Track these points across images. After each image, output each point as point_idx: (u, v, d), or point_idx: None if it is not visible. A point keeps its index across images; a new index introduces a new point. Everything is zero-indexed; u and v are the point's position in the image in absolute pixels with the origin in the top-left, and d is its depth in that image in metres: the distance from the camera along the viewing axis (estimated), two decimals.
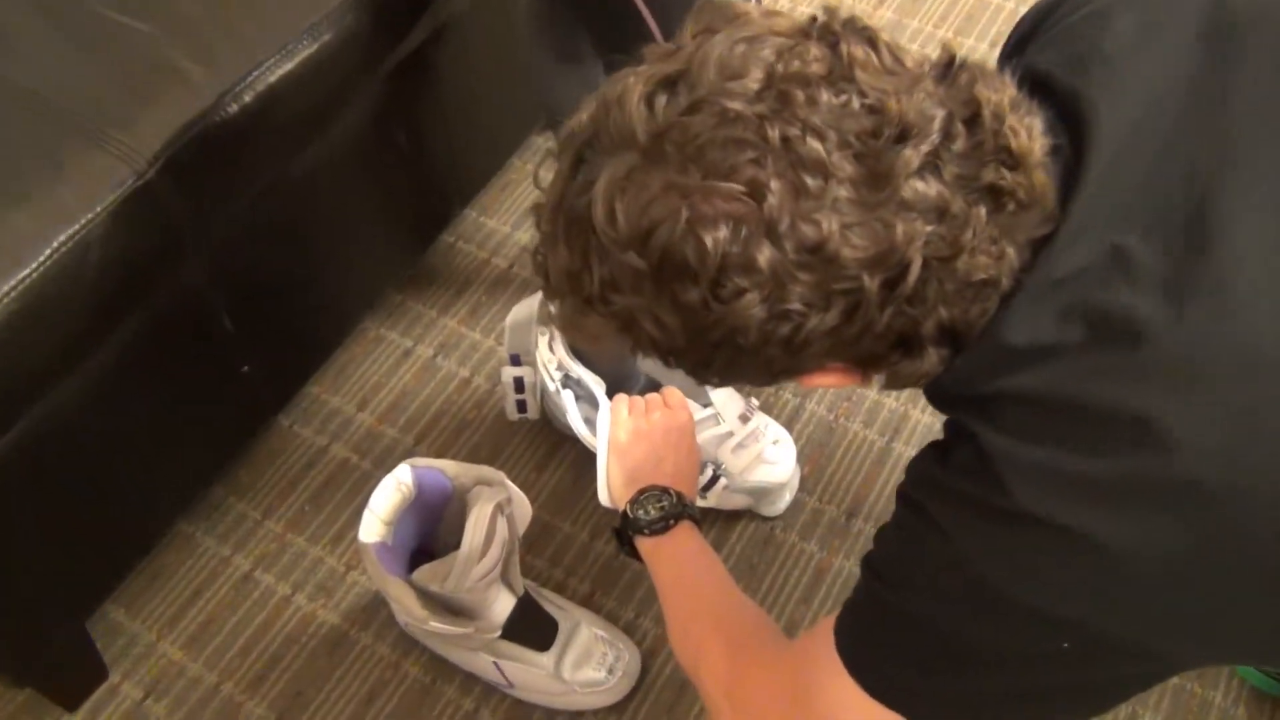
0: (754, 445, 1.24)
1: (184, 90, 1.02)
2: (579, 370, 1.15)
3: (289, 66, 1.06)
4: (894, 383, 0.65)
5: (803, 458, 1.36)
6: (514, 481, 1.32)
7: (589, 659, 1.16)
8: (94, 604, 1.22)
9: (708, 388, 1.22)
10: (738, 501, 1.29)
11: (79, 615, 1.19)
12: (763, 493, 1.28)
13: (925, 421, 1.39)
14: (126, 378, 1.08)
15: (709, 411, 1.23)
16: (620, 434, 1.11)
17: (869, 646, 0.70)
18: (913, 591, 0.66)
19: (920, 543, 0.65)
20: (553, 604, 1.20)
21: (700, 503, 1.26)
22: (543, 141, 1.59)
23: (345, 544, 1.31)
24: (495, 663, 1.15)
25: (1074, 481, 0.58)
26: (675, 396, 1.15)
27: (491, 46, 1.38)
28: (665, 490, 1.05)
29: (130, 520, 1.21)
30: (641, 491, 1.06)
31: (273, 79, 1.05)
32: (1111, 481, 0.58)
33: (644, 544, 1.04)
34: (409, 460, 1.04)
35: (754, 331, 0.58)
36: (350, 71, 1.14)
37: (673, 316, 0.60)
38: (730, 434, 1.24)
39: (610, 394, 1.16)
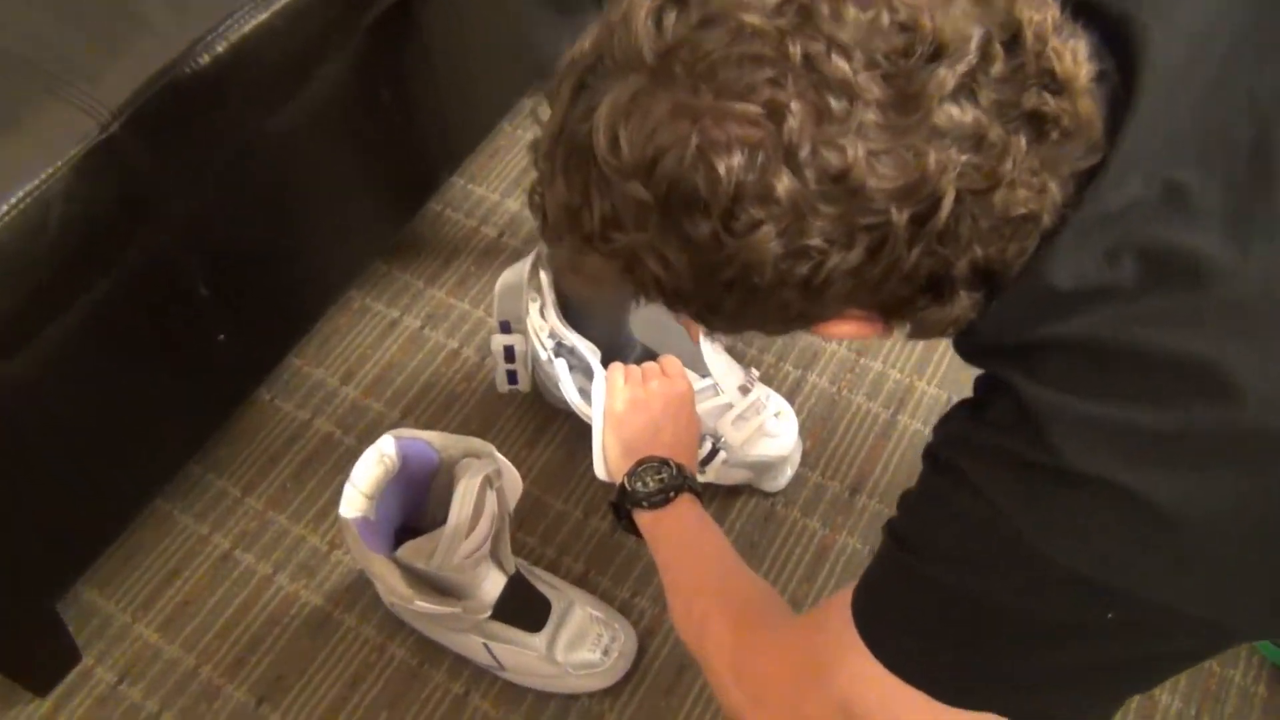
0: (755, 417, 1.19)
1: (152, 40, 0.96)
2: (572, 338, 1.10)
3: (264, 16, 1.00)
4: (919, 331, 0.60)
5: (804, 431, 1.31)
6: (505, 457, 1.27)
7: (583, 640, 1.12)
8: (66, 584, 1.17)
9: (707, 356, 1.17)
10: (737, 476, 1.24)
11: (50, 596, 1.14)
12: (764, 467, 1.23)
13: (931, 393, 1.34)
14: (95, 345, 1.02)
15: (708, 382, 1.18)
16: (616, 403, 1.06)
17: (890, 619, 0.65)
18: (941, 558, 0.61)
19: (950, 505, 0.60)
20: (545, 583, 1.15)
21: (698, 477, 1.20)
22: (533, 105, 1.53)
23: (329, 522, 1.26)
24: (485, 644, 1.10)
25: (1126, 435, 0.53)
26: (674, 365, 1.10)
27: (480, 2, 1.32)
28: (664, 461, 1.00)
29: (103, 497, 1.16)
30: (639, 463, 1.01)
31: (246, 29, 0.99)
32: (1168, 434, 0.53)
33: (643, 518, 0.99)
34: (392, 431, 0.99)
35: (769, 270, 0.53)
36: (329, 23, 1.07)
37: (680, 254, 0.54)
38: (730, 405, 1.18)
39: (605, 363, 1.11)
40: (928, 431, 1.34)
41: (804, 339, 1.39)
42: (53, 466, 1.05)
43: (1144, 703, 1.12)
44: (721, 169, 0.51)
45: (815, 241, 0.52)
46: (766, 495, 1.27)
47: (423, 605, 0.95)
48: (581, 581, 1.21)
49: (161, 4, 0.98)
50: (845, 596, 0.69)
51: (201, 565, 1.24)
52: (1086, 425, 0.54)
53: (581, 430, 1.31)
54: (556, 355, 1.12)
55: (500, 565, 1.10)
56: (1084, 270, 0.54)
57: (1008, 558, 0.57)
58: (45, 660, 1.15)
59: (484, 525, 0.96)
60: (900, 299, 0.56)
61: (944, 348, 1.38)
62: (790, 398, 1.27)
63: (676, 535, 0.97)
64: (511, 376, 1.19)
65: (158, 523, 1.26)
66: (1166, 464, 0.53)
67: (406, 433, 0.99)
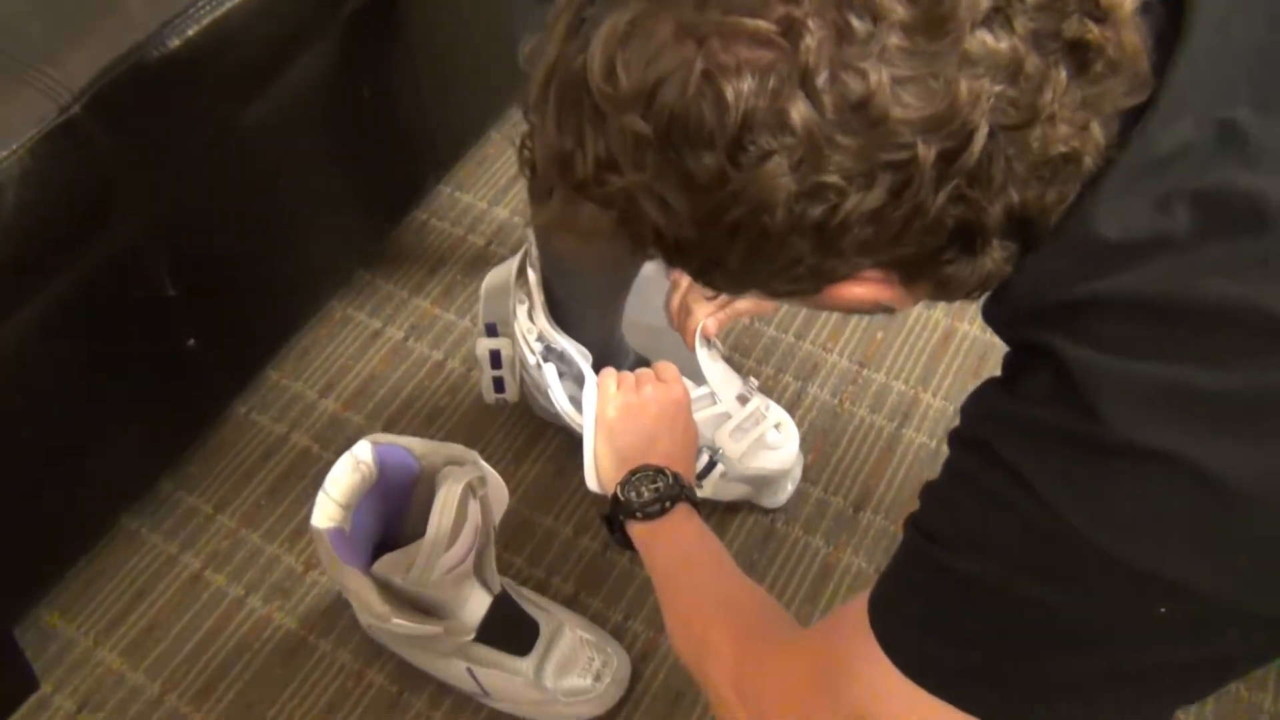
0: (754, 429, 1.13)
1: (119, 21, 0.91)
2: (562, 341, 1.04)
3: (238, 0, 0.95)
4: (944, 291, 0.54)
5: (806, 445, 1.25)
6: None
7: (573, 665, 1.05)
8: (24, 608, 1.10)
9: (703, 364, 1.11)
10: (736, 491, 1.18)
11: (7, 621, 1.07)
12: (763, 481, 1.17)
13: (937, 406, 1.29)
14: (53, 347, 0.96)
15: (704, 391, 1.12)
16: (608, 410, 1.00)
17: (912, 622, 0.58)
18: (973, 550, 0.55)
19: (983, 490, 0.54)
20: (533, 604, 1.08)
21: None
22: (523, 111, 1.49)
23: (305, 540, 1.19)
24: (469, 669, 1.03)
25: (1185, 400, 0.48)
26: (669, 371, 1.04)
27: (467, 2, 1.27)
28: (659, 470, 0.94)
29: (65, 515, 1.09)
30: (633, 472, 0.95)
31: (219, 12, 0.94)
32: (1234, 398, 0.47)
33: (637, 530, 0.93)
34: (370, 437, 0.93)
35: (780, 212, 0.47)
36: (307, 10, 1.03)
37: (680, 195, 0.49)
38: (728, 415, 1.13)
39: (597, 369, 1.05)
40: (934, 445, 1.29)
41: (804, 349, 1.33)
42: (7, 482, 0.99)
43: None
44: (729, 95, 0.45)
45: (832, 179, 0.46)
46: (766, 512, 1.21)
47: (400, 624, 0.88)
48: (571, 603, 1.14)
49: None
50: (859, 603, 0.63)
51: (169, 587, 1.17)
52: (1139, 389, 0.48)
53: (572, 444, 1.25)
54: (545, 360, 1.06)
55: (485, 584, 1.03)
56: (1133, 219, 0.49)
57: (1048, 547, 0.51)
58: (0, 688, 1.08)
59: (466, 537, 0.89)
60: (924, 252, 0.51)
61: (950, 357, 1.33)
62: (790, 410, 1.21)
63: (673, 548, 0.91)
64: (498, 384, 1.13)
65: (124, 542, 1.20)
66: (1231, 432, 0.47)
67: (385, 438, 0.93)
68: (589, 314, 1.07)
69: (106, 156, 0.89)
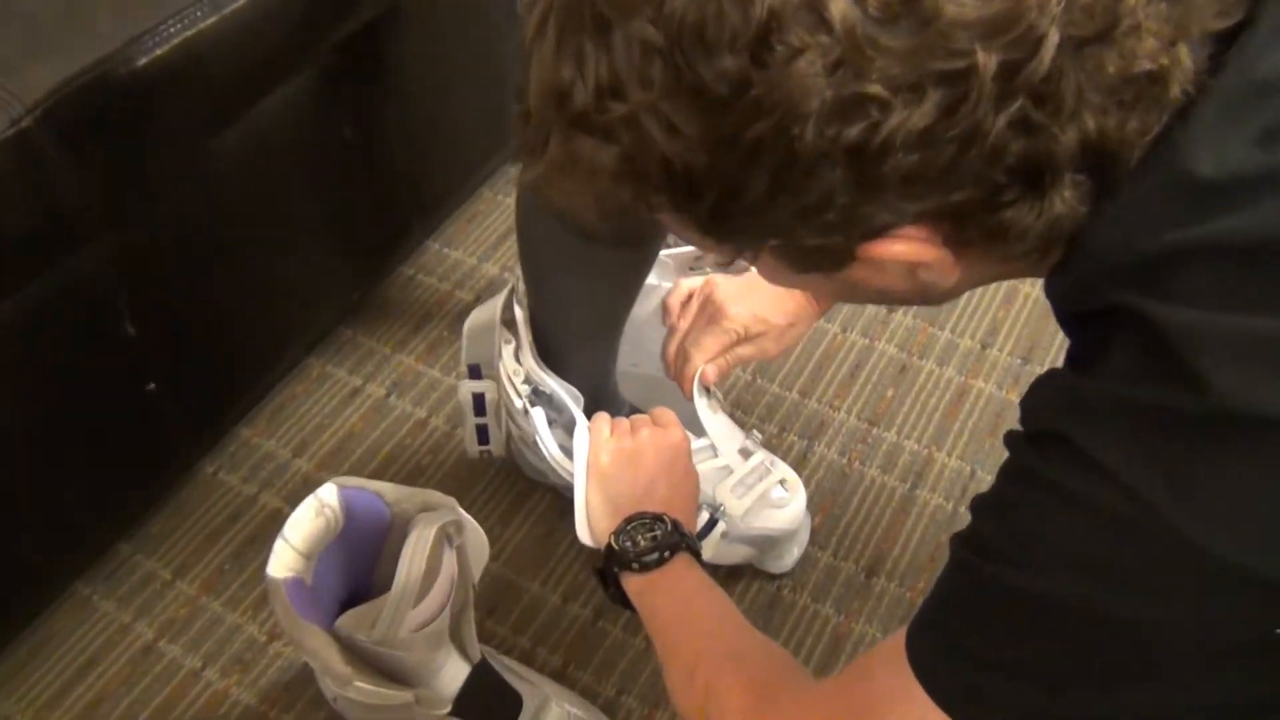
0: (757, 484, 1.05)
1: (85, 36, 0.86)
2: (551, 383, 0.96)
3: (211, 20, 0.90)
4: (999, 245, 0.46)
5: (813, 507, 1.16)
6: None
7: None
8: None
9: (703, 415, 1.04)
10: (738, 554, 1.09)
11: None
12: (768, 543, 1.08)
13: (953, 466, 1.20)
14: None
15: (704, 442, 1.04)
16: (601, 456, 0.92)
17: (960, 654, 0.50)
18: (1038, 561, 0.46)
19: (1052, 488, 0.46)
20: (516, 675, 0.98)
21: None
22: (515, 172, 1.44)
23: (270, 609, 1.10)
24: None
25: None
26: (666, 415, 0.96)
27: (460, 40, 1.23)
28: (657, 517, 0.86)
29: (9, 578, 1.00)
30: (628, 520, 0.87)
31: (191, 32, 0.89)
32: None
33: (633, 582, 0.84)
34: (336, 479, 0.84)
35: (810, 127, 0.40)
36: (284, 37, 0.98)
37: (694, 113, 0.42)
38: (729, 470, 1.04)
39: (589, 415, 0.97)
40: (951, 507, 1.20)
41: (809, 407, 1.25)
42: None
43: None
44: None
45: (874, 89, 0.39)
46: (772, 578, 1.12)
47: (364, 688, 0.79)
48: (559, 676, 1.05)
49: (109, 3, 0.88)
50: (893, 641, 0.54)
51: (120, 657, 1.07)
52: (1247, 346, 0.40)
53: (563, 505, 1.17)
54: (533, 404, 0.98)
55: (462, 651, 0.94)
56: (1233, 153, 0.42)
57: (1138, 553, 0.43)
58: None
59: (440, 590, 0.80)
60: (979, 193, 0.43)
61: (965, 415, 1.25)
62: (796, 470, 1.13)
63: (674, 598, 0.82)
64: (482, 434, 1.05)
65: (74, 609, 1.10)
66: None
67: (353, 481, 0.85)
68: (581, 352, 1.00)
69: (61, 175, 0.83)
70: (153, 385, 1.00)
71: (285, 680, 1.05)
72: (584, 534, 0.92)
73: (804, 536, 1.13)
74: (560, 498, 1.18)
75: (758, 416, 1.25)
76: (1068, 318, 0.51)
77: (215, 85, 0.94)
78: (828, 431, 1.24)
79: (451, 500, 0.85)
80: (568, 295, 0.93)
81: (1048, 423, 0.47)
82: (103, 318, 0.94)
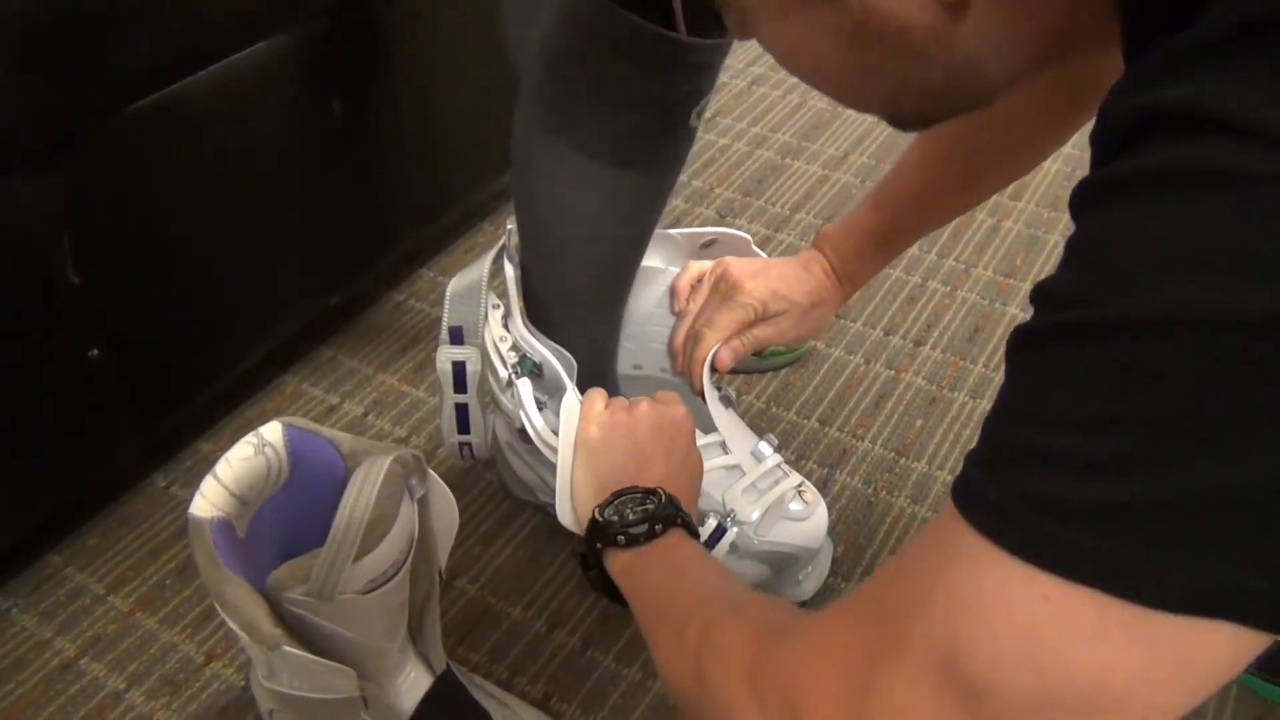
0: (771, 489, 0.92)
1: None
2: (541, 349, 0.85)
3: None
4: None
5: (835, 535, 1.03)
6: (455, 557, 1.00)
7: None
8: None
9: (714, 410, 0.92)
10: (750, 574, 0.95)
11: None
12: (785, 560, 0.94)
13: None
14: None
15: (713, 438, 0.92)
16: (591, 429, 0.81)
17: (1028, 459, 0.38)
18: (1167, 272, 0.34)
19: (1177, 180, 0.34)
20: (486, 693, 0.84)
21: None
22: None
23: (212, 627, 0.96)
24: None
25: None
26: (668, 395, 0.85)
27: (459, 39, 1.17)
28: (650, 491, 0.74)
29: None
30: (617, 494, 0.74)
31: None
32: None
33: (618, 559, 0.71)
34: (282, 418, 0.73)
35: None
36: None
37: None
38: (740, 470, 0.92)
39: (582, 390, 0.86)
40: None
41: (830, 435, 1.13)
42: None
43: None
44: None
45: None
46: None
47: (294, 652, 0.65)
48: (540, 708, 0.89)
49: None
50: (931, 525, 0.42)
51: (33, 676, 0.92)
52: None
53: (552, 527, 1.04)
54: (518, 375, 0.86)
55: (424, 658, 0.80)
56: None
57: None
58: None
59: (394, 544, 0.67)
60: None
61: None
62: None
63: (664, 569, 0.69)
64: (462, 419, 0.93)
65: None
66: None
67: (302, 423, 0.73)
68: (576, 317, 0.89)
69: (3, 74, 0.75)
70: (95, 351, 0.90)
71: (221, 705, 0.90)
72: (565, 515, 0.80)
73: (825, 562, 0.99)
74: (549, 518, 1.04)
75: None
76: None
77: (184, 19, 0.87)
78: (850, 460, 1.11)
79: (418, 453, 0.73)
80: (567, 227, 0.83)
81: (1138, 105, 0.36)
82: (43, 258, 0.84)
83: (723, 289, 0.93)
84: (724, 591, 0.62)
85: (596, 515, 0.74)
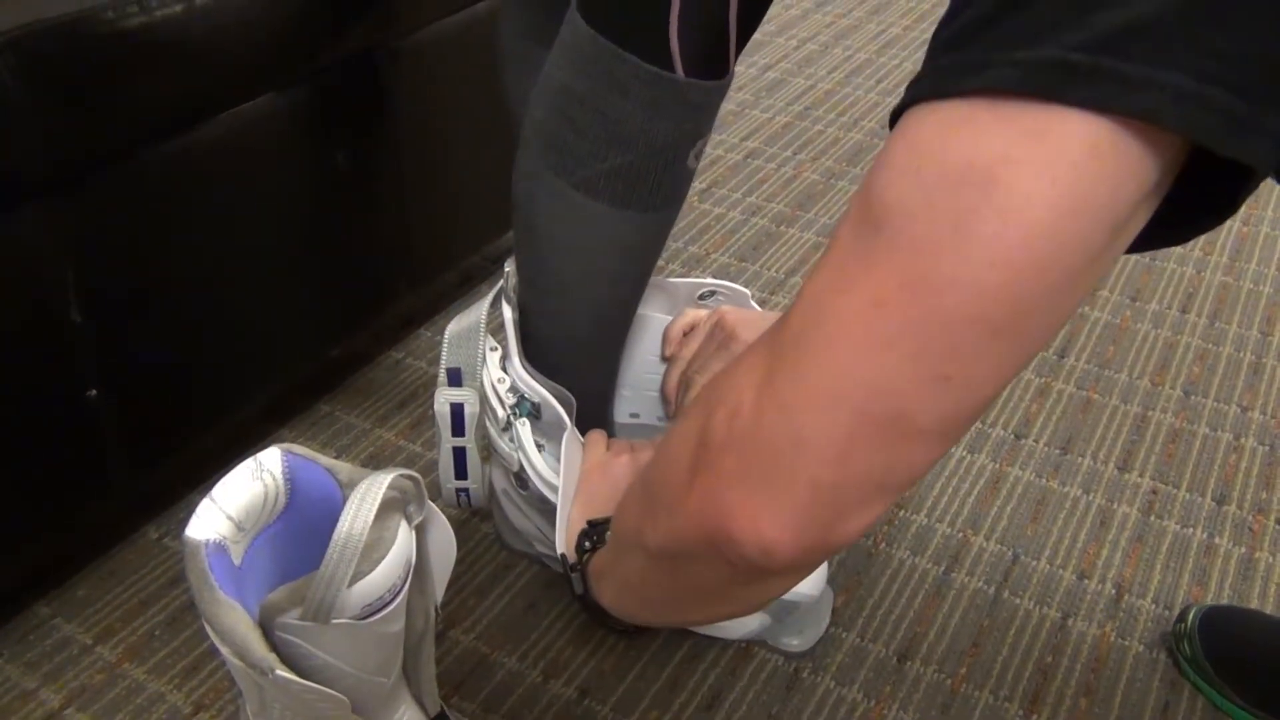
0: None
1: None
2: (540, 389, 0.85)
3: (205, 1, 0.87)
4: None
5: (836, 585, 1.02)
6: (450, 607, 0.99)
7: None
8: None
9: None
10: (750, 624, 0.93)
11: None
12: (784, 608, 0.93)
13: (993, 550, 1.07)
14: None
15: None
16: (593, 471, 0.80)
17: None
18: None
19: None
20: None
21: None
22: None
23: (201, 677, 0.94)
24: None
25: None
26: None
27: (462, 101, 1.20)
28: None
29: None
30: (606, 519, 0.74)
31: (179, 8, 0.85)
32: None
33: (597, 559, 0.71)
34: (281, 445, 0.72)
35: None
36: (280, 35, 0.94)
37: None
38: None
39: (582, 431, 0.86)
40: (992, 591, 1.04)
41: None
42: None
43: None
44: None
45: None
46: (788, 657, 0.96)
47: (286, 676, 0.63)
48: None
49: None
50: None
51: None
52: None
53: (548, 579, 1.03)
54: (516, 416, 0.86)
55: (418, 701, 0.78)
56: None
57: None
58: None
59: (390, 568, 0.67)
60: None
61: (1002, 501, 1.12)
62: None
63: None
64: (459, 464, 0.92)
65: None
66: None
67: (301, 450, 0.72)
68: (574, 360, 0.89)
69: (16, 109, 0.77)
70: (94, 391, 0.90)
71: None
72: (561, 544, 0.79)
73: (825, 612, 0.98)
74: (545, 570, 1.03)
75: None
76: None
77: (199, 68, 0.89)
78: None
79: (417, 476, 0.72)
80: (567, 264, 0.83)
81: None
82: (46, 293, 0.84)
83: (719, 336, 0.93)
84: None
85: (586, 525, 0.73)
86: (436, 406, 0.89)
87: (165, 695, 0.93)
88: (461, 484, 0.94)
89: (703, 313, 0.98)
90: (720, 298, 1.01)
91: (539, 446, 0.90)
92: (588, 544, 0.72)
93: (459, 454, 0.91)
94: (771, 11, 1.83)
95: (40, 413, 0.88)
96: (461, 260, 1.34)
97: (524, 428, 0.86)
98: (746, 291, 1.07)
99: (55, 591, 1.01)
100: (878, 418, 0.42)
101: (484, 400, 0.88)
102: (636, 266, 0.86)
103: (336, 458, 1.17)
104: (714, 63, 0.77)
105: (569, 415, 0.85)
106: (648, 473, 0.55)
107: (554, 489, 0.84)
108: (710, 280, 1.00)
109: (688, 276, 1.47)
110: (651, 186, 0.79)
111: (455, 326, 0.89)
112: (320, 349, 1.17)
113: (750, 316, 0.95)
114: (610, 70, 0.75)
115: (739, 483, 0.44)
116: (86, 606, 1.00)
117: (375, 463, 1.16)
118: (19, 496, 0.89)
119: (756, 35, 2.07)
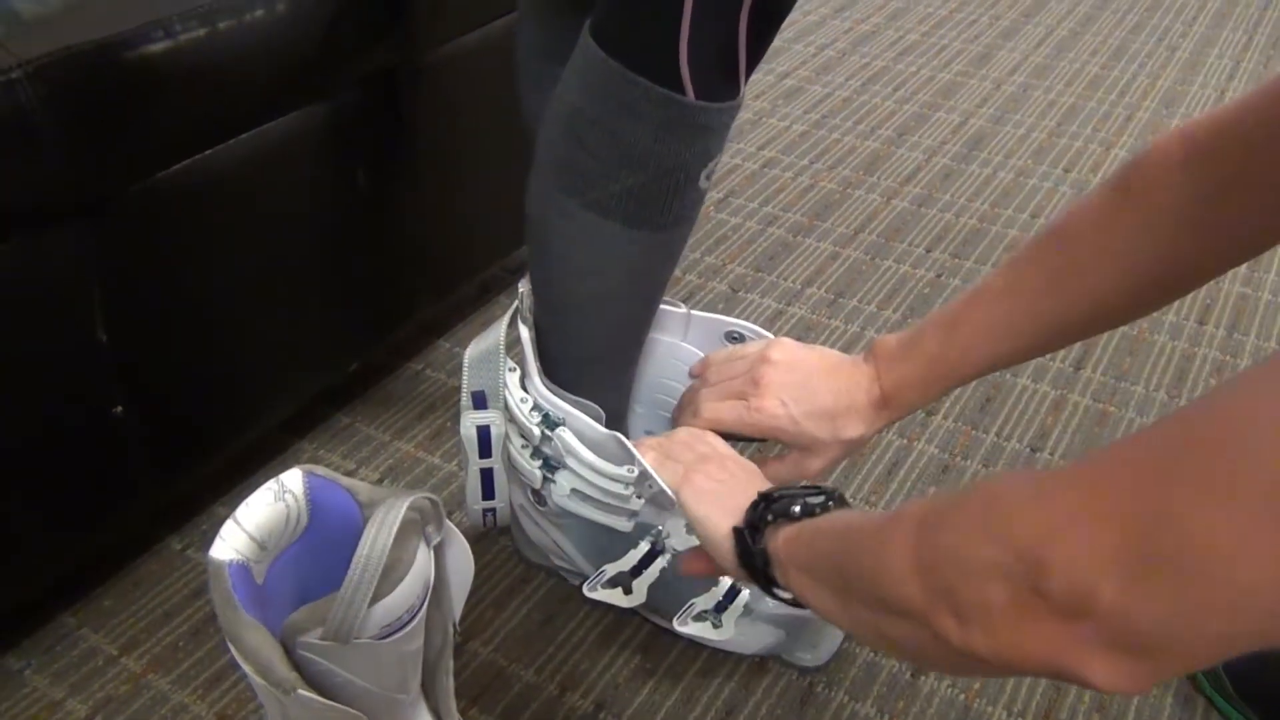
0: None
1: (104, 10, 0.84)
2: (564, 406, 0.86)
3: (228, 24, 0.88)
4: None
5: None
6: (468, 620, 1.00)
7: None
8: None
9: None
10: (764, 638, 0.94)
11: None
12: (799, 623, 0.94)
13: None
14: None
15: None
16: (675, 469, 0.84)
17: None
18: None
19: None
20: None
21: (712, 634, 0.91)
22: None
23: (224, 687, 0.95)
24: None
25: None
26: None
27: (481, 116, 1.22)
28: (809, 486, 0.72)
29: None
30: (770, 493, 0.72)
31: (202, 32, 0.87)
32: None
33: (784, 531, 0.68)
34: (303, 465, 0.74)
35: None
36: (301, 58, 0.96)
37: None
38: None
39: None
40: None
41: None
42: None
43: None
44: None
45: None
46: (802, 671, 0.97)
47: (308, 695, 0.65)
48: None
49: None
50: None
51: None
52: None
53: (565, 592, 1.04)
54: (551, 429, 0.87)
55: (437, 715, 0.80)
56: None
57: None
58: None
59: (409, 588, 0.68)
60: None
61: None
62: None
63: (841, 521, 0.65)
64: (487, 485, 0.93)
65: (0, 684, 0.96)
66: None
67: (323, 471, 0.74)
68: (590, 379, 0.90)
69: (44, 136, 0.78)
70: (119, 408, 0.91)
71: None
72: (717, 527, 0.75)
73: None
74: (563, 583, 1.05)
75: None
76: None
77: (223, 90, 0.91)
78: None
79: (436, 498, 0.74)
80: (580, 284, 0.84)
81: None
82: (74, 313, 0.86)
83: (754, 375, 0.87)
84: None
85: (760, 504, 0.70)
86: (463, 430, 0.90)
87: (189, 706, 0.94)
88: (489, 504, 0.95)
89: (752, 348, 0.92)
90: (749, 339, 0.99)
91: (555, 467, 0.91)
92: (769, 517, 0.70)
93: (487, 475, 0.92)
94: (789, 17, 1.85)
95: (67, 428, 0.90)
96: (480, 272, 1.36)
97: (567, 433, 0.87)
98: (770, 336, 1.04)
99: (81, 602, 1.03)
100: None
101: (509, 419, 0.89)
102: (649, 285, 0.87)
103: (356, 470, 1.19)
104: (724, 85, 0.78)
105: (600, 424, 0.86)
106: (920, 547, 0.49)
107: (609, 475, 0.85)
108: (736, 322, 0.98)
109: (705, 284, 1.48)
110: (663, 207, 0.80)
111: (474, 350, 0.90)
112: (340, 361, 1.18)
113: (793, 377, 0.86)
114: (621, 92, 0.76)
115: (1095, 647, 0.42)
116: (112, 617, 1.02)
117: (395, 474, 1.18)
118: (47, 508, 0.91)
119: (774, 42, 2.08)
